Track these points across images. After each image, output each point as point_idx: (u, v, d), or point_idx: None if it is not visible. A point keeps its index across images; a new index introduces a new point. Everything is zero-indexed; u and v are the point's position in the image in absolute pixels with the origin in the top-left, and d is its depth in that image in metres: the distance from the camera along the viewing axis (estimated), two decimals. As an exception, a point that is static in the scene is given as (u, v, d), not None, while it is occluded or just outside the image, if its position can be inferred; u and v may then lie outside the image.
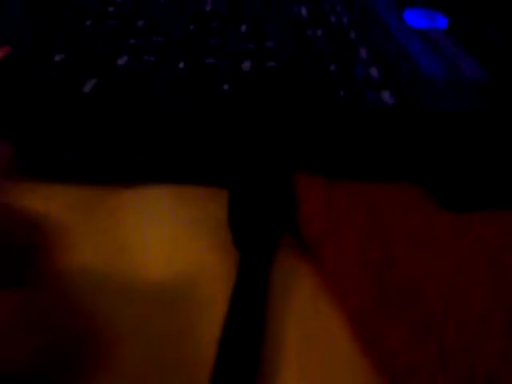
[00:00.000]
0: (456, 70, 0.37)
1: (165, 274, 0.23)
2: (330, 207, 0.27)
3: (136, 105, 0.29)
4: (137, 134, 0.27)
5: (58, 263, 0.14)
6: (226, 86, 0.31)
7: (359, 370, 0.20)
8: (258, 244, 0.24)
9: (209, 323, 0.20)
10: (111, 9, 0.42)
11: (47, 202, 0.26)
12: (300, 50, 0.37)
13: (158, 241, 0.24)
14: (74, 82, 0.31)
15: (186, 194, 0.26)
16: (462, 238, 0.27)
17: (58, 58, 0.34)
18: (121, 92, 0.30)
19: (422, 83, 0.35)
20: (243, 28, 0.40)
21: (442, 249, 0.26)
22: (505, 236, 0.27)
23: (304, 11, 0.43)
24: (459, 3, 0.49)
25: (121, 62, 0.34)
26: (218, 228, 0.25)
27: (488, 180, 0.30)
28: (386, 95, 0.32)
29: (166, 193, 0.26)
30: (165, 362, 0.19)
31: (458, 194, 0.28)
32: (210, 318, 0.20)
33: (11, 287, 0.14)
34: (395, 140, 0.31)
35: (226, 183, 0.27)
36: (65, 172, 0.26)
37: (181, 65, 0.34)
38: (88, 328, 0.19)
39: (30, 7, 0.41)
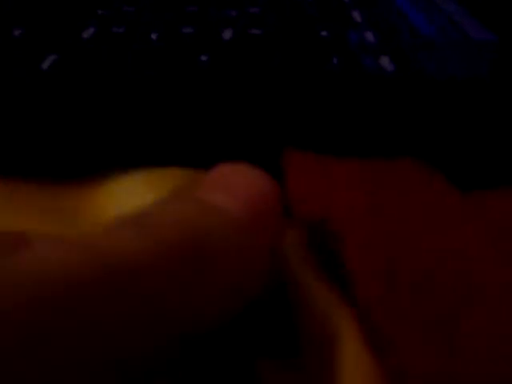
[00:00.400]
0: (459, 32, 0.34)
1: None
2: (325, 188, 0.24)
3: (101, 82, 0.26)
4: (100, 115, 0.24)
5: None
6: (204, 57, 0.28)
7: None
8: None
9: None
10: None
11: None
12: (288, 16, 0.33)
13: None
14: (33, 59, 0.28)
15: (158, 181, 0.23)
16: (474, 219, 0.24)
17: (16, 32, 0.31)
18: (84, 68, 0.27)
19: (423, 47, 0.31)
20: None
21: (454, 232, 0.23)
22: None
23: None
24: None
25: (86, 35, 0.31)
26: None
27: (500, 154, 0.26)
28: (384, 61, 0.29)
29: (136, 182, 0.23)
30: None
31: (467, 170, 0.25)
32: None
33: None
34: (396, 111, 0.27)
35: (204, 163, 0.24)
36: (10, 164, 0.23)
37: (153, 36, 0.30)
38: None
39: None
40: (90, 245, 0.10)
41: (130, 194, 0.22)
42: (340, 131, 0.25)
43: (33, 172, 0.22)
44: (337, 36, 0.31)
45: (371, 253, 0.22)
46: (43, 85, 0.25)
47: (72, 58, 0.28)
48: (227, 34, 0.31)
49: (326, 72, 0.28)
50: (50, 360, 0.09)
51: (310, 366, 0.17)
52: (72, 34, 0.31)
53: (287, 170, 0.23)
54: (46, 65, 0.27)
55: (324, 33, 0.32)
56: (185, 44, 0.30)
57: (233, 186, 0.13)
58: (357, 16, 0.35)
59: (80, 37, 0.30)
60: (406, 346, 0.18)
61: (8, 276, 0.09)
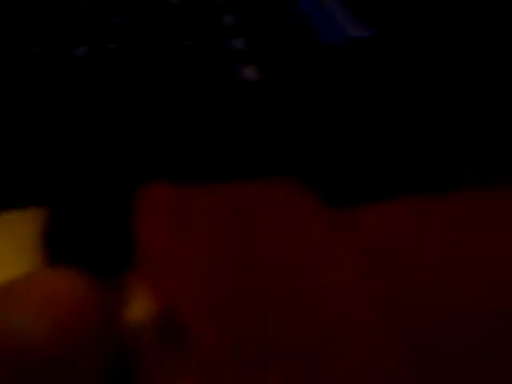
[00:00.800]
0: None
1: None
2: (176, 219, 0.21)
3: None
4: None
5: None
6: (46, 81, 0.25)
7: None
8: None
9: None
10: None
11: None
12: (151, 24, 0.31)
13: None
14: None
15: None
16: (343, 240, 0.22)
17: None
18: None
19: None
20: (86, 2, 0.33)
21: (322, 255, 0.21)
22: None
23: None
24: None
25: None
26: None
27: (372, 167, 0.25)
28: (250, 71, 0.27)
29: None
30: None
31: (337, 185, 0.23)
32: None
33: None
34: (262, 123, 0.25)
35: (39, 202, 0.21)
36: None
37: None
38: None
39: None
40: None
41: None
42: (199, 155, 0.23)
43: None
44: (202, 44, 0.29)
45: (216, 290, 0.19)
46: None
47: None
48: (81, 51, 0.28)
49: (184, 85, 0.25)
50: None
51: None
52: None
53: (137, 210, 0.21)
54: None
55: (189, 41, 0.29)
56: (31, 67, 0.27)
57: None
58: (230, 19, 0.32)
59: None
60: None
61: None
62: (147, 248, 0.20)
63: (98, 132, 0.23)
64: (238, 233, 0.22)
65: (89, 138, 0.22)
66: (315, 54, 0.29)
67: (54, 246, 0.19)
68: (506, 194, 0.23)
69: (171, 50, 0.28)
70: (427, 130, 0.26)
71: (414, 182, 0.25)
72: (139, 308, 0.17)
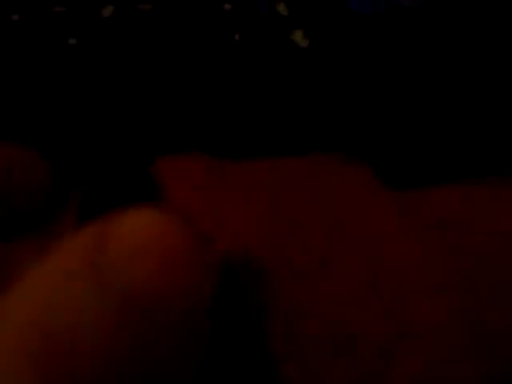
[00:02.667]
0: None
1: None
2: (213, 199, 0.19)
3: None
4: None
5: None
6: (72, 40, 0.22)
7: None
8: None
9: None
10: None
11: None
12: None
13: None
14: None
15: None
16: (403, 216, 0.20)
17: None
18: None
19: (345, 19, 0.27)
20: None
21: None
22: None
23: None
24: None
25: None
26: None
27: (434, 148, 0.22)
28: (297, 36, 0.24)
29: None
30: None
31: (399, 167, 0.21)
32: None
33: None
34: (316, 95, 0.22)
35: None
36: None
37: (15, 17, 0.25)
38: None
39: None
40: None
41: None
42: (240, 128, 0.20)
43: None
44: (242, 8, 0.26)
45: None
46: None
47: None
48: (107, 11, 0.25)
49: (229, 50, 0.23)
50: None
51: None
52: None
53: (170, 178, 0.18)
54: None
55: (227, 5, 0.26)
56: (55, 25, 0.24)
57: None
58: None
59: None
60: None
61: None
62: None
63: (130, 96, 0.20)
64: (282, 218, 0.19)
65: (121, 102, 0.20)
66: (349, 23, 0.26)
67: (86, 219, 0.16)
68: None
69: (208, 14, 0.25)
70: (490, 110, 0.24)
71: (478, 166, 0.23)
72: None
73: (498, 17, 0.26)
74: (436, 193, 0.21)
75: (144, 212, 0.12)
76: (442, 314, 0.16)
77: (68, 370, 0.11)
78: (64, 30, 0.23)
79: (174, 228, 0.12)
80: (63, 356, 0.11)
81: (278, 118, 0.22)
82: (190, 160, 0.20)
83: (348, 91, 0.23)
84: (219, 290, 0.13)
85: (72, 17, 0.24)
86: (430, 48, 0.24)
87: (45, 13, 0.25)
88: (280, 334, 0.16)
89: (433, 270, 0.17)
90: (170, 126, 0.21)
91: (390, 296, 0.17)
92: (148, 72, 0.23)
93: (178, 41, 0.24)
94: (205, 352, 0.12)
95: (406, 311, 0.17)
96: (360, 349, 0.15)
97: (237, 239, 0.17)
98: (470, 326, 0.16)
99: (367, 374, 0.15)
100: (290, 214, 0.18)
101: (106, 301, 0.11)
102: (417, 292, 0.17)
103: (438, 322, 0.16)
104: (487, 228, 0.20)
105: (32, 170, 0.17)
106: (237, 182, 0.20)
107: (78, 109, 0.21)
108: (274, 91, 0.22)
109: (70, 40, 0.22)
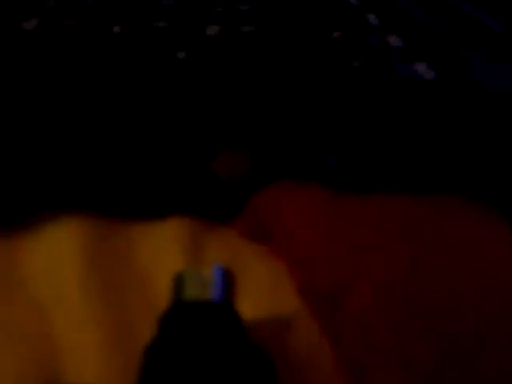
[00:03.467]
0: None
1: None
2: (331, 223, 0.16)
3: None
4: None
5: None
6: (181, 54, 0.21)
7: None
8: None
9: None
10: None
11: None
12: (287, 13, 0.26)
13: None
14: None
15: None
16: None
17: None
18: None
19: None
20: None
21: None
22: None
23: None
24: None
25: (28, 26, 0.23)
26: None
27: None
28: (420, 68, 0.22)
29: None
30: None
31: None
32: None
33: None
34: (440, 129, 0.20)
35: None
36: None
37: (116, 29, 0.23)
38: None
39: None
40: None
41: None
42: (361, 159, 0.18)
43: None
44: (351, 37, 0.24)
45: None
46: None
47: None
48: (213, 30, 0.24)
49: (349, 76, 0.21)
50: None
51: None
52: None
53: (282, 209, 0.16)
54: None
55: (336, 33, 0.25)
56: (157, 38, 0.22)
57: None
58: (372, 19, 0.28)
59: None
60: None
61: None
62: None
63: (230, 108, 0.18)
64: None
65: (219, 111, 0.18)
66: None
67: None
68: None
69: (318, 41, 0.24)
70: None
71: None
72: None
73: None
74: None
75: None
76: None
77: None
78: (169, 44, 0.21)
79: None
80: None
81: (402, 153, 0.19)
82: (305, 191, 0.18)
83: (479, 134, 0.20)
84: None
85: (175, 32, 0.23)
86: None
87: (146, 27, 0.23)
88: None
89: None
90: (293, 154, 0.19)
91: None
92: (252, 92, 0.21)
93: (282, 65, 0.22)
94: None
95: None
96: None
97: (379, 293, 0.14)
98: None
99: None
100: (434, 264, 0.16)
101: None
102: None
103: None
104: None
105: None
106: (359, 220, 0.17)
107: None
108: (399, 126, 0.20)
109: (178, 53, 0.20)
